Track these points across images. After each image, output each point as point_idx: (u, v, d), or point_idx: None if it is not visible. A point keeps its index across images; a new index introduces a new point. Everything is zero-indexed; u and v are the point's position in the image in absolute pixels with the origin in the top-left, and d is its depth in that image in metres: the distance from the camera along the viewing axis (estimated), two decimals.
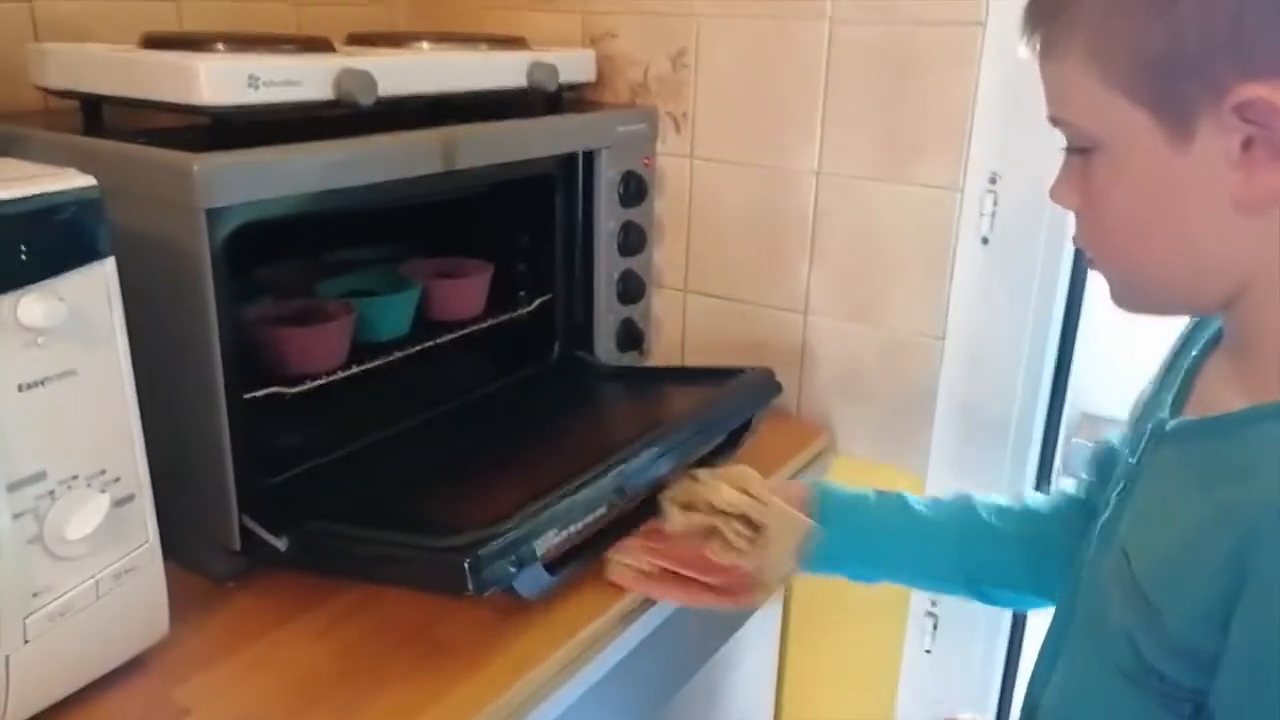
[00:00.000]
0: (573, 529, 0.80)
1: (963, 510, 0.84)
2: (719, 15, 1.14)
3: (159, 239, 0.76)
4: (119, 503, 0.69)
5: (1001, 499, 0.85)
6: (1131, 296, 0.60)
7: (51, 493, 0.64)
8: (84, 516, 0.65)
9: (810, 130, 1.11)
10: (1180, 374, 0.64)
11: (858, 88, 1.07)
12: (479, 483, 0.91)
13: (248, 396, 0.84)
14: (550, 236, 1.14)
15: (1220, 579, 0.50)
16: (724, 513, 0.83)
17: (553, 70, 1.07)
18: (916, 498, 0.86)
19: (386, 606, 0.81)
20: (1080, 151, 0.57)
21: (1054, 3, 0.55)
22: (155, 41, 0.87)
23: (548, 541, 0.77)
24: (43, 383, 0.62)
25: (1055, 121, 0.58)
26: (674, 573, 0.85)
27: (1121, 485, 0.64)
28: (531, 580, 0.79)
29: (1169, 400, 0.63)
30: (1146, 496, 0.61)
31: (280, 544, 0.80)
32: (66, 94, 0.89)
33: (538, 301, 1.15)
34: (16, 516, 0.62)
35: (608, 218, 1.14)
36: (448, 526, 0.75)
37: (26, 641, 0.65)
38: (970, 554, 0.82)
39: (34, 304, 0.60)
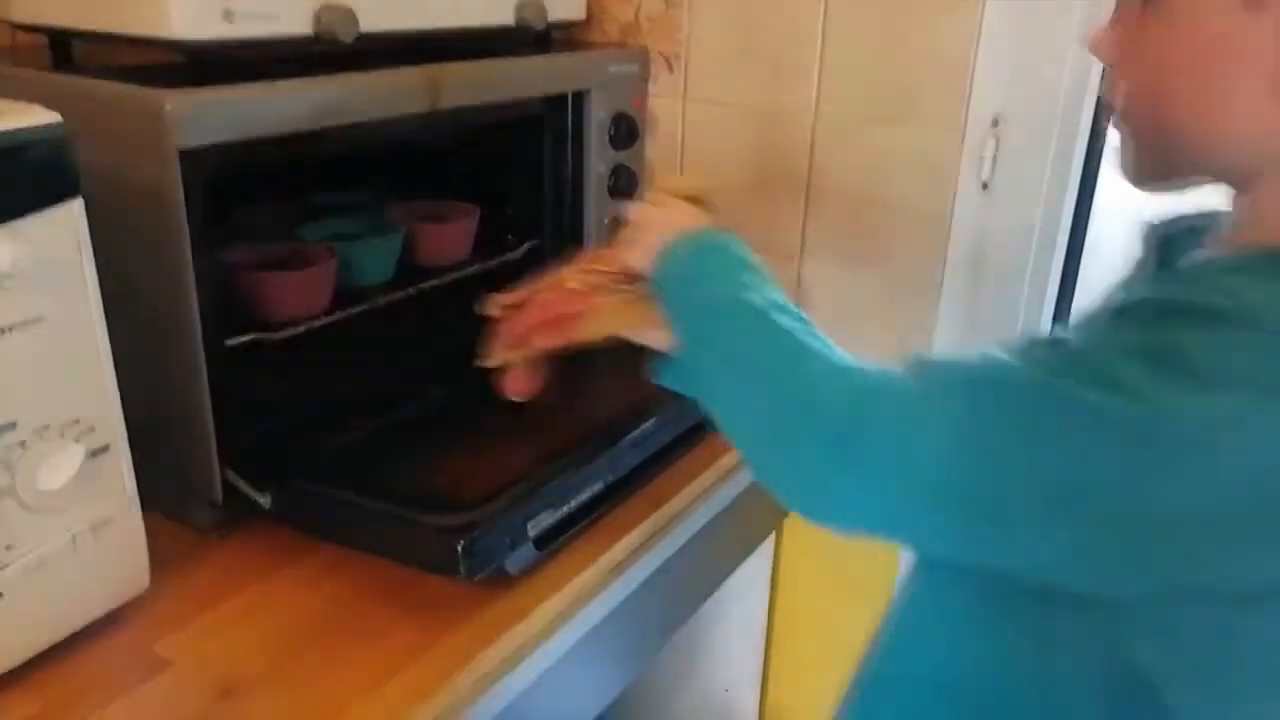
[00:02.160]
0: (565, 509, 0.79)
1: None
2: None
3: (131, 181, 0.73)
4: (94, 453, 0.67)
5: None
6: (1143, 161, 0.58)
7: (23, 443, 0.62)
8: (57, 467, 0.63)
9: (807, 71, 1.08)
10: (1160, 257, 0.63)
11: (856, 27, 1.04)
12: (467, 440, 0.90)
13: (229, 344, 0.81)
14: (539, 180, 1.11)
15: None
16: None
17: (541, 8, 1.03)
18: None
19: (371, 559, 0.80)
20: (1133, 3, 0.55)
21: None
22: None
23: (540, 523, 0.76)
24: (9, 329, 0.60)
25: None
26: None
27: None
28: (521, 558, 0.78)
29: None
30: None
31: (264, 500, 0.78)
32: (33, 29, 0.85)
33: (526, 246, 1.13)
34: None
35: (598, 161, 1.11)
36: (438, 498, 0.75)
37: (1, 595, 0.63)
38: None
39: None
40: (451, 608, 0.75)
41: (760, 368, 0.61)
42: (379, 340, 1.01)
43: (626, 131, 1.12)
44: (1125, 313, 0.51)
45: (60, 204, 0.61)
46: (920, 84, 1.01)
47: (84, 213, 0.63)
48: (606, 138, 1.11)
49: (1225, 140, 0.54)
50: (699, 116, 1.17)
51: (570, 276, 0.78)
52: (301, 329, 0.90)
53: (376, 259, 1.00)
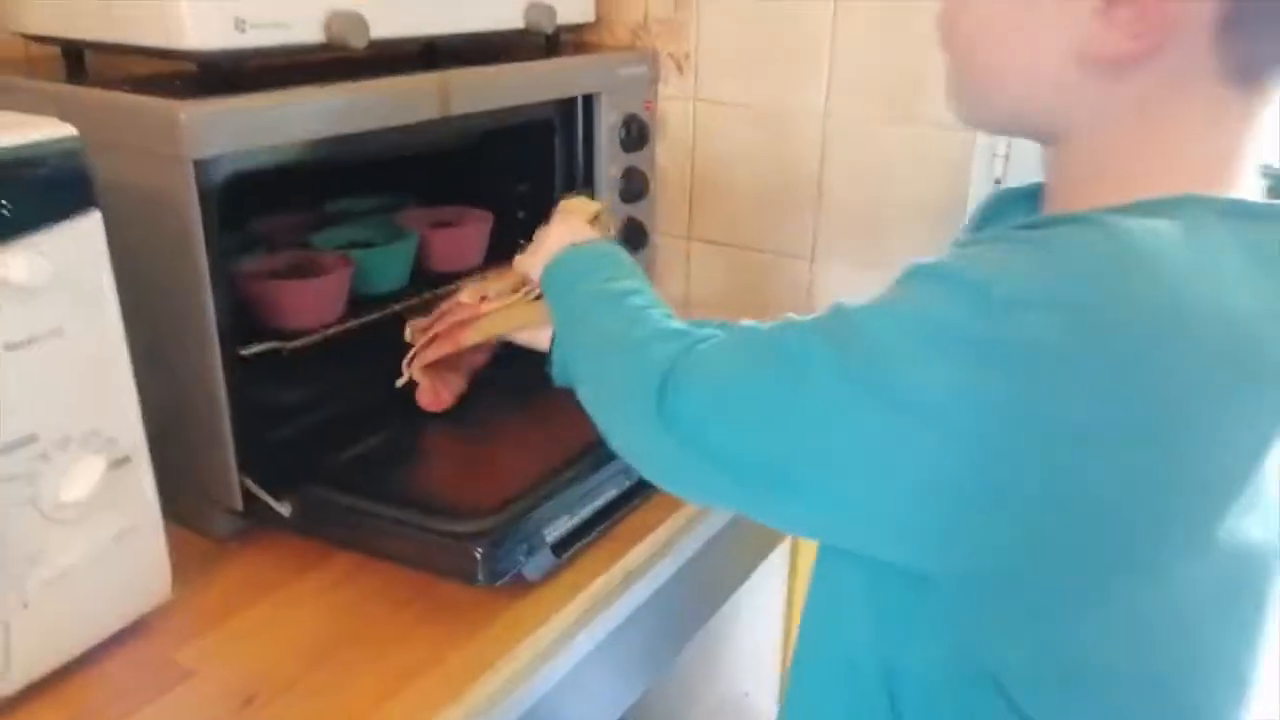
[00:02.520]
0: (581, 515, 0.79)
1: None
2: None
3: (147, 191, 0.73)
4: (115, 464, 0.67)
5: None
6: (961, 97, 0.61)
7: (44, 455, 0.62)
8: (78, 478, 0.64)
9: (817, 71, 1.08)
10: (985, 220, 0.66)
11: (866, 26, 1.04)
12: (483, 446, 0.90)
13: (245, 353, 0.82)
14: (550, 183, 1.11)
15: None
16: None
17: (550, 11, 1.03)
18: None
19: (389, 565, 0.80)
20: None
21: None
22: None
23: (558, 529, 0.76)
24: (30, 342, 0.60)
25: None
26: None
27: None
28: (539, 564, 0.78)
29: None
30: None
31: (283, 509, 0.78)
32: (47, 40, 0.86)
33: None
34: (9, 480, 0.61)
35: (609, 163, 1.11)
36: (456, 505, 0.75)
37: (25, 606, 0.63)
38: None
39: (18, 259, 0.57)
40: (470, 614, 0.75)
41: (605, 339, 0.67)
42: (394, 346, 1.01)
43: (637, 133, 1.12)
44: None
45: (78, 216, 0.61)
46: (931, 82, 1.01)
47: (101, 225, 0.63)
48: (617, 140, 1.11)
49: (1031, 96, 0.55)
50: (709, 117, 1.17)
51: (465, 292, 0.87)
52: (317, 337, 0.90)
53: (391, 266, 1.00)
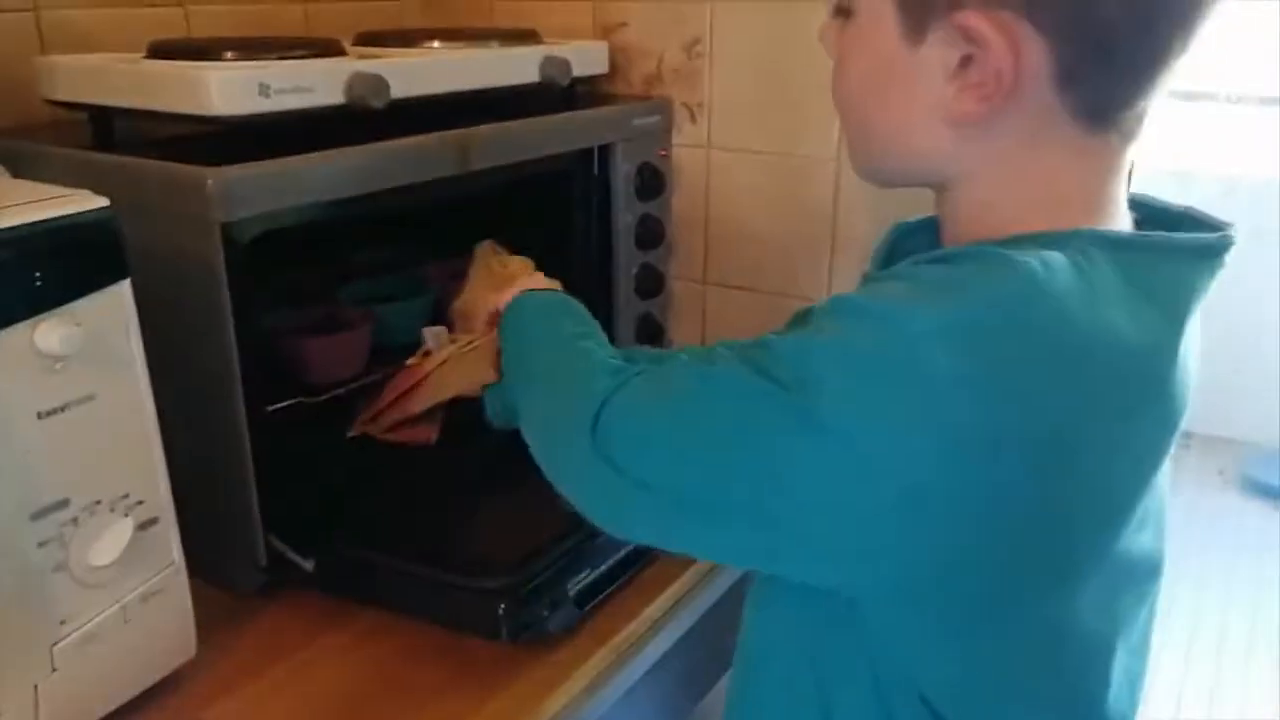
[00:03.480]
0: (604, 566, 0.80)
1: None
2: (733, 0, 1.11)
3: (172, 253, 0.75)
4: (143, 525, 0.68)
5: None
6: (856, 158, 0.64)
7: (75, 519, 0.63)
8: (109, 542, 0.65)
9: (830, 116, 1.08)
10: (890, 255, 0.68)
11: None
12: (504, 498, 0.91)
13: (270, 409, 0.83)
14: (568, 232, 1.12)
15: None
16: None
17: (565, 64, 1.05)
18: None
19: (412, 621, 0.80)
20: (842, 12, 0.60)
21: None
22: (162, 51, 0.85)
23: (580, 582, 0.77)
24: (63, 409, 0.61)
25: None
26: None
27: None
28: (562, 618, 0.78)
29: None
30: None
31: (307, 565, 0.79)
32: (75, 106, 0.88)
33: None
34: (41, 545, 0.62)
35: (625, 212, 1.12)
36: (478, 560, 0.76)
37: (55, 669, 0.64)
38: None
39: (51, 330, 0.59)
40: (494, 670, 0.75)
41: (550, 376, 0.69)
42: None
43: (652, 182, 1.13)
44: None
45: (110, 286, 0.62)
46: None
47: (131, 292, 0.64)
48: (633, 188, 1.12)
49: (910, 154, 0.59)
50: (723, 164, 1.18)
51: (413, 360, 0.89)
52: (340, 391, 0.91)
53: (411, 319, 1.01)
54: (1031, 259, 0.49)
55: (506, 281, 0.85)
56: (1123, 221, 0.57)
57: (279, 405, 0.84)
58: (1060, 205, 0.55)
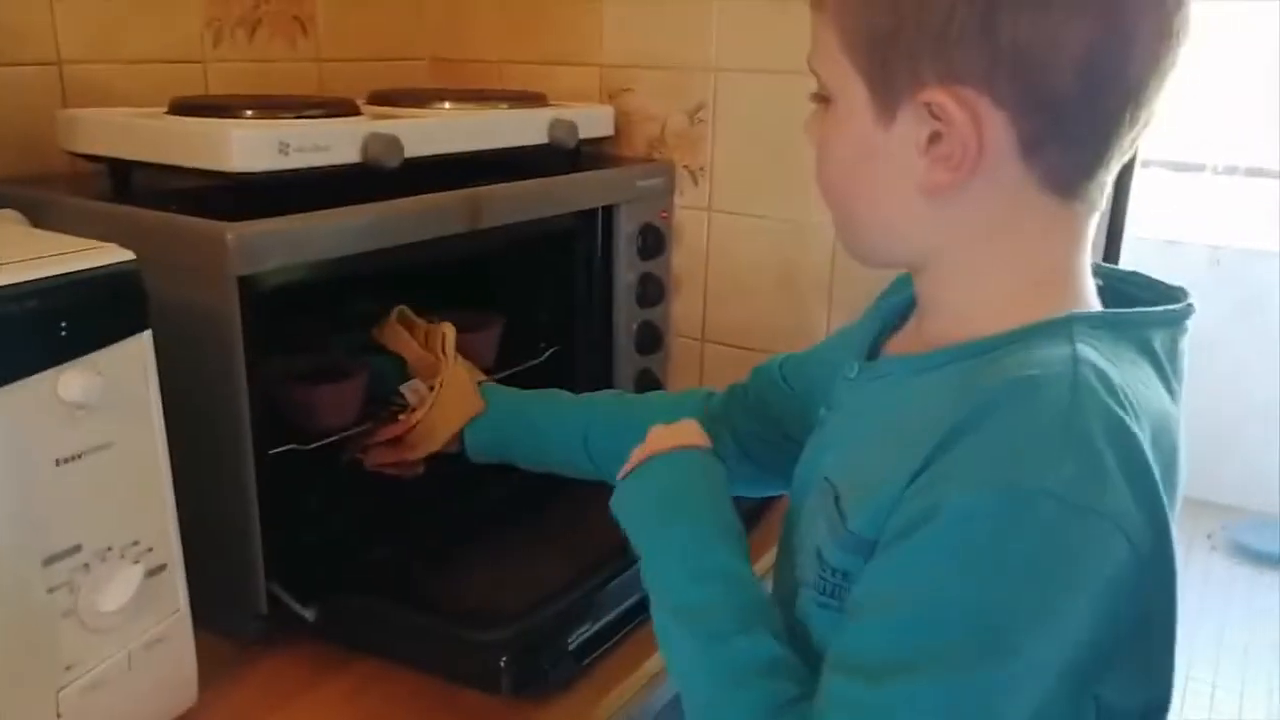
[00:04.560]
0: (604, 620, 0.81)
1: (616, 396, 0.96)
2: (736, 70, 1.15)
3: (189, 304, 0.76)
4: (151, 572, 0.69)
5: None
6: (844, 240, 0.66)
7: (86, 565, 0.64)
8: (118, 588, 0.65)
9: None
10: (871, 335, 0.69)
11: None
12: (504, 551, 0.92)
13: (272, 452, 0.83)
14: (570, 289, 1.14)
15: (909, 467, 0.53)
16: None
17: (573, 127, 1.08)
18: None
19: (412, 672, 0.81)
20: (821, 100, 0.62)
21: None
22: (184, 107, 0.88)
23: (580, 636, 0.78)
24: (80, 456, 0.63)
25: (810, 66, 0.62)
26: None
27: (819, 425, 0.69)
28: (562, 672, 0.79)
29: (862, 353, 0.68)
30: (843, 428, 0.66)
31: (308, 614, 0.79)
32: (96, 158, 0.90)
33: (549, 351, 1.15)
34: (52, 590, 0.62)
35: (626, 270, 1.15)
36: (479, 612, 0.77)
37: (59, 716, 0.64)
38: (625, 431, 0.79)
39: (74, 379, 0.60)
40: None
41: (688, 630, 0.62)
42: None
43: (654, 242, 1.16)
44: None
45: (132, 336, 0.64)
46: None
47: (152, 343, 0.66)
48: (635, 248, 1.15)
49: (891, 231, 0.61)
50: (724, 227, 1.21)
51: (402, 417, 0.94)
52: (334, 439, 0.92)
53: (398, 371, 1.02)
54: (1083, 376, 0.51)
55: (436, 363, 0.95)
56: (1092, 291, 0.59)
57: (277, 450, 0.85)
58: (1039, 285, 0.57)
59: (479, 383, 0.96)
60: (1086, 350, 0.52)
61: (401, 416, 0.94)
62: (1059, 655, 0.51)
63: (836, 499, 0.59)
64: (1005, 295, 0.58)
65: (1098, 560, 0.50)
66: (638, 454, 0.72)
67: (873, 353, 0.68)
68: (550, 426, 0.91)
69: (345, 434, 0.93)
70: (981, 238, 0.58)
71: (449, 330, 0.97)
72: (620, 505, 0.71)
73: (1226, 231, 3.35)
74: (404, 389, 0.95)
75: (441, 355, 0.96)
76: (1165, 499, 0.51)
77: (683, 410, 0.81)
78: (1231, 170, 3.43)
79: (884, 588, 0.53)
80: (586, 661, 0.81)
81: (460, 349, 1.09)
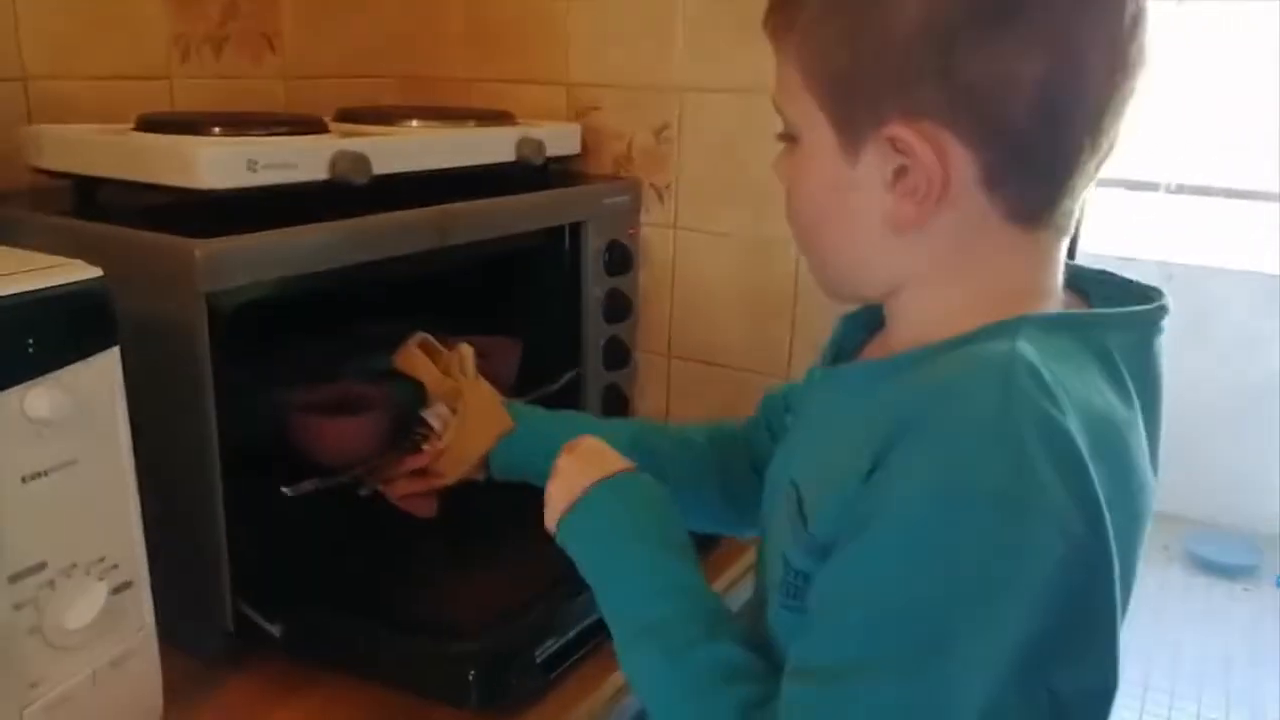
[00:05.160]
0: (571, 634, 0.81)
1: (641, 424, 0.97)
2: (701, 90, 1.17)
3: (156, 320, 0.76)
4: (117, 590, 0.68)
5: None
6: (818, 279, 0.67)
7: (51, 582, 0.64)
8: (83, 606, 0.65)
9: None
10: (836, 343, 0.71)
11: None
12: (471, 566, 0.92)
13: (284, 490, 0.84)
14: (538, 304, 1.15)
15: (860, 467, 0.54)
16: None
17: (540, 145, 1.09)
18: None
19: (381, 686, 0.81)
20: (789, 139, 0.63)
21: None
22: (152, 124, 0.88)
23: (547, 649, 0.78)
24: (45, 473, 0.62)
25: (775, 105, 0.63)
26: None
27: (787, 431, 0.71)
28: (530, 685, 0.79)
29: (826, 360, 0.71)
30: (806, 433, 0.68)
31: (275, 630, 0.79)
32: (62, 175, 0.90)
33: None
34: (17, 608, 0.62)
35: (594, 286, 1.16)
36: (447, 628, 0.77)
37: None
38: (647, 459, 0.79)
39: (40, 396, 0.60)
40: None
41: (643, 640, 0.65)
42: None
43: (620, 258, 1.17)
44: None
45: (99, 353, 0.64)
46: None
47: (119, 360, 0.66)
48: (602, 264, 1.16)
49: (862, 266, 0.63)
50: (689, 244, 1.23)
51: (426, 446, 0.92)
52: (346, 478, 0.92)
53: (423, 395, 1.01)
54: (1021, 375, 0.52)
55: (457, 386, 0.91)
56: (1058, 307, 0.61)
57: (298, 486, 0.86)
58: (1002, 298, 0.58)
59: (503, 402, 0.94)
60: (1024, 346, 0.53)
61: (425, 447, 0.92)
62: (1004, 651, 0.52)
63: (800, 502, 0.60)
64: (966, 308, 0.59)
65: (1034, 557, 0.51)
66: (565, 486, 0.72)
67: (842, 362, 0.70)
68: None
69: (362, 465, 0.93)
70: (948, 265, 0.59)
71: (467, 351, 0.95)
72: (572, 537, 0.71)
73: (1177, 249, 3.43)
74: (426, 414, 0.93)
75: (460, 376, 0.93)
76: (1099, 493, 0.52)
77: (709, 442, 0.86)
78: (1183, 189, 3.51)
79: (833, 590, 0.55)
80: (554, 674, 0.81)
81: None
